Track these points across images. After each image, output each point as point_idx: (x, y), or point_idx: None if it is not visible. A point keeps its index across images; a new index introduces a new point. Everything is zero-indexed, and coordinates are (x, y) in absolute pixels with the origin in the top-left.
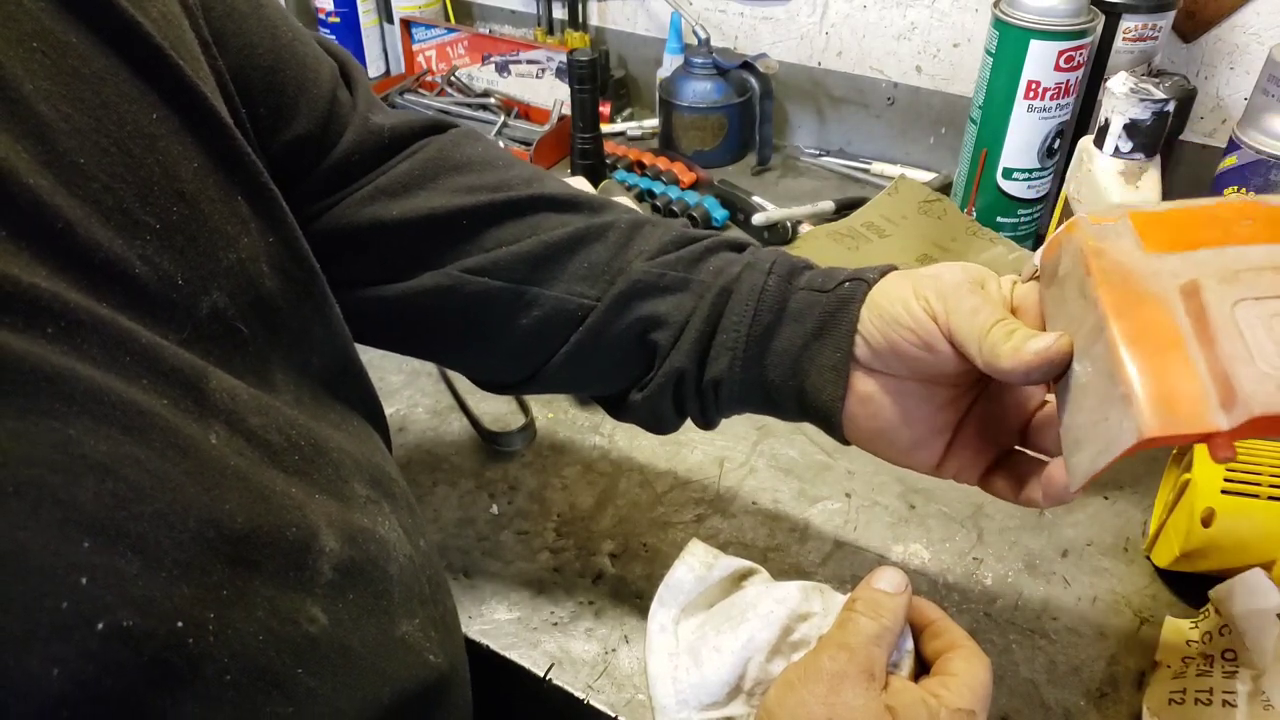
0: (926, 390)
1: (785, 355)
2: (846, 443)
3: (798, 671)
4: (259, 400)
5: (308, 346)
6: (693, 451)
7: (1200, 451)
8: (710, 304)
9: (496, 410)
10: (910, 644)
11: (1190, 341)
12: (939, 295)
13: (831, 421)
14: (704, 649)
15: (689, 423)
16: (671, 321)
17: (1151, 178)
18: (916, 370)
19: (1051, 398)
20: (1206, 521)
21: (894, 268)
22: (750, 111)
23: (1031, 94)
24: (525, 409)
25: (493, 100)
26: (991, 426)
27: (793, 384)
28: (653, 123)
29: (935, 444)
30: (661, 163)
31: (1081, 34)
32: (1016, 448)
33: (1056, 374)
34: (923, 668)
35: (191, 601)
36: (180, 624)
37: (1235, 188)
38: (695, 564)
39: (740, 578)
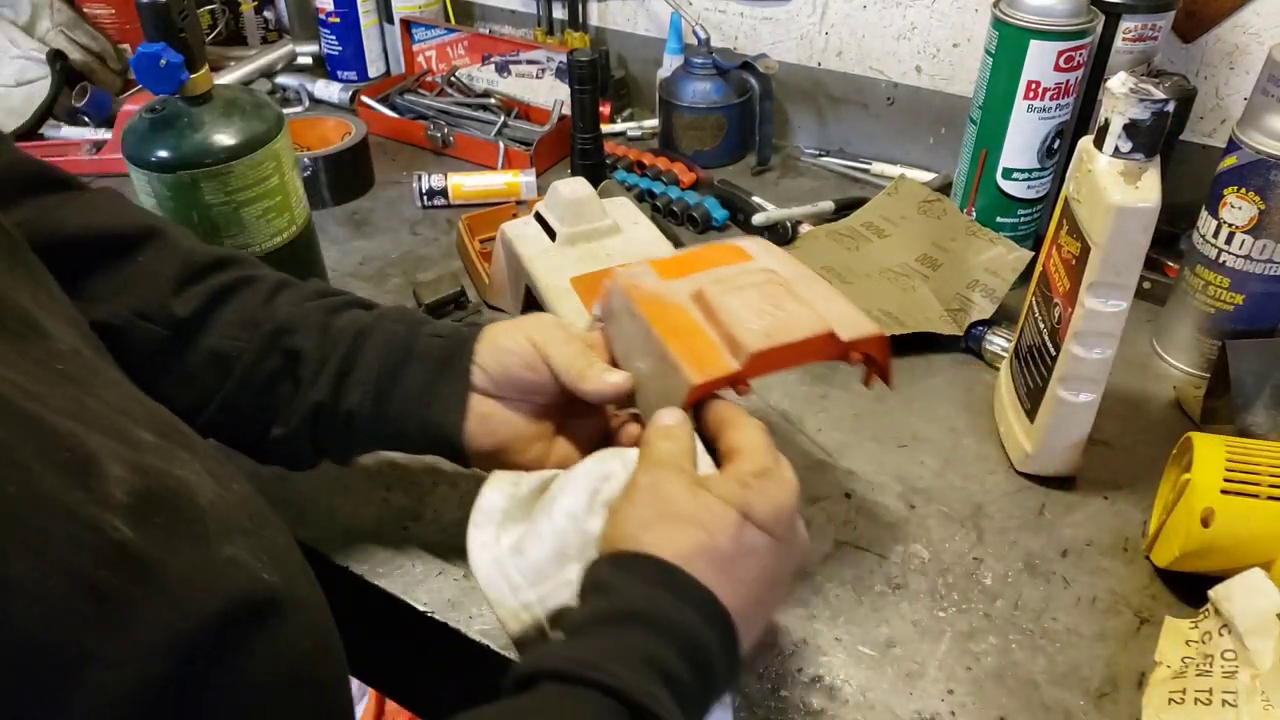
0: (531, 405)
1: (412, 390)
2: (467, 465)
3: (620, 501)
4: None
5: (48, 302)
6: None
7: (1200, 453)
8: (347, 346)
9: None
10: (710, 461)
11: (704, 324)
12: (539, 332)
13: (454, 440)
14: (526, 541)
15: None
16: (312, 359)
17: (1151, 178)
18: (524, 390)
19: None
20: (1206, 521)
21: (505, 319)
22: (750, 111)
23: (1031, 94)
24: None
25: (493, 100)
26: (586, 424)
27: (419, 415)
28: (653, 123)
29: (541, 446)
30: (661, 163)
31: (1081, 34)
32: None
33: (623, 400)
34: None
35: None
36: None
37: (1234, 187)
38: (503, 484)
39: (546, 485)
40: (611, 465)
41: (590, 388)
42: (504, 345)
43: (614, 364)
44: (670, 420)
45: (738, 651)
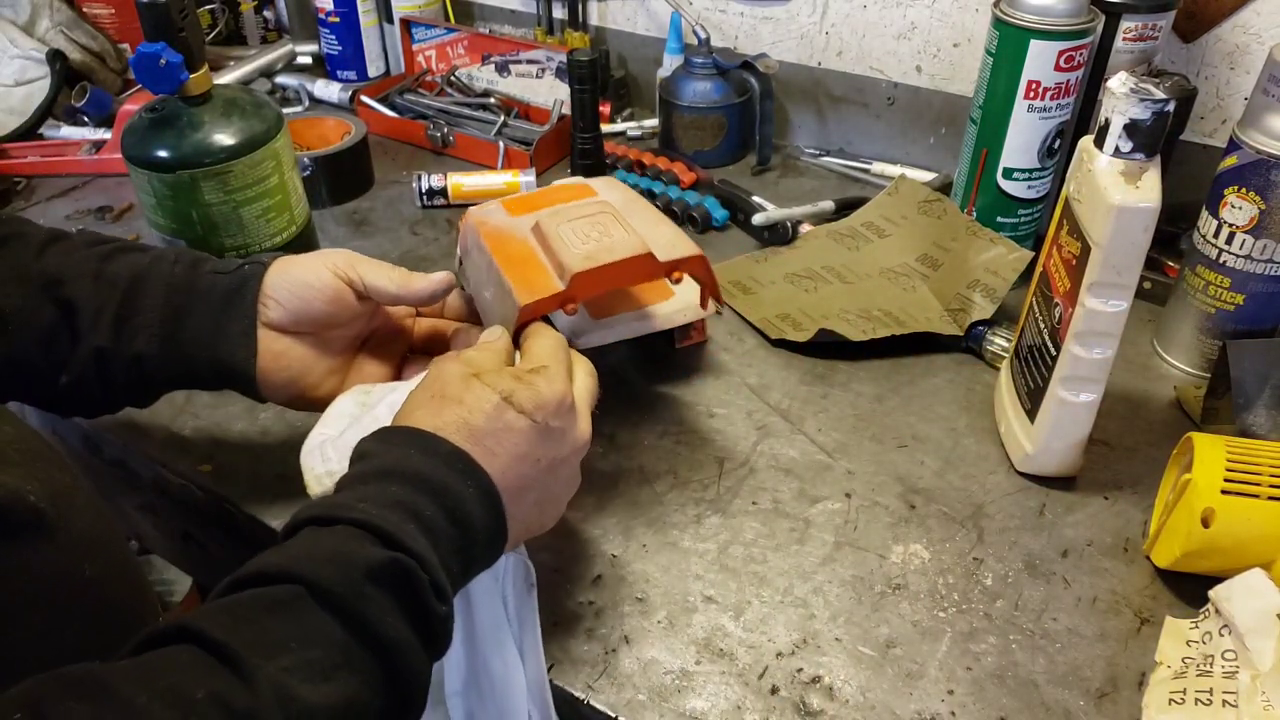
0: (328, 339)
1: (199, 329)
2: (262, 399)
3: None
4: None
5: None
6: (693, 451)
7: (1200, 453)
8: (124, 291)
9: None
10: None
11: (539, 253)
12: (347, 261)
13: (247, 378)
14: (349, 430)
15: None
16: (88, 308)
17: (1151, 178)
18: (324, 325)
19: (425, 322)
20: (1206, 522)
21: (282, 254)
22: (750, 111)
23: (1032, 94)
24: None
25: (493, 100)
26: (381, 353)
27: (208, 354)
28: (653, 123)
29: (335, 379)
30: (661, 163)
31: (1081, 34)
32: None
33: (446, 292)
34: None
35: None
36: None
37: (1235, 187)
38: (356, 394)
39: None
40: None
41: (420, 285)
42: (304, 280)
43: (470, 297)
44: (489, 336)
45: (499, 509)
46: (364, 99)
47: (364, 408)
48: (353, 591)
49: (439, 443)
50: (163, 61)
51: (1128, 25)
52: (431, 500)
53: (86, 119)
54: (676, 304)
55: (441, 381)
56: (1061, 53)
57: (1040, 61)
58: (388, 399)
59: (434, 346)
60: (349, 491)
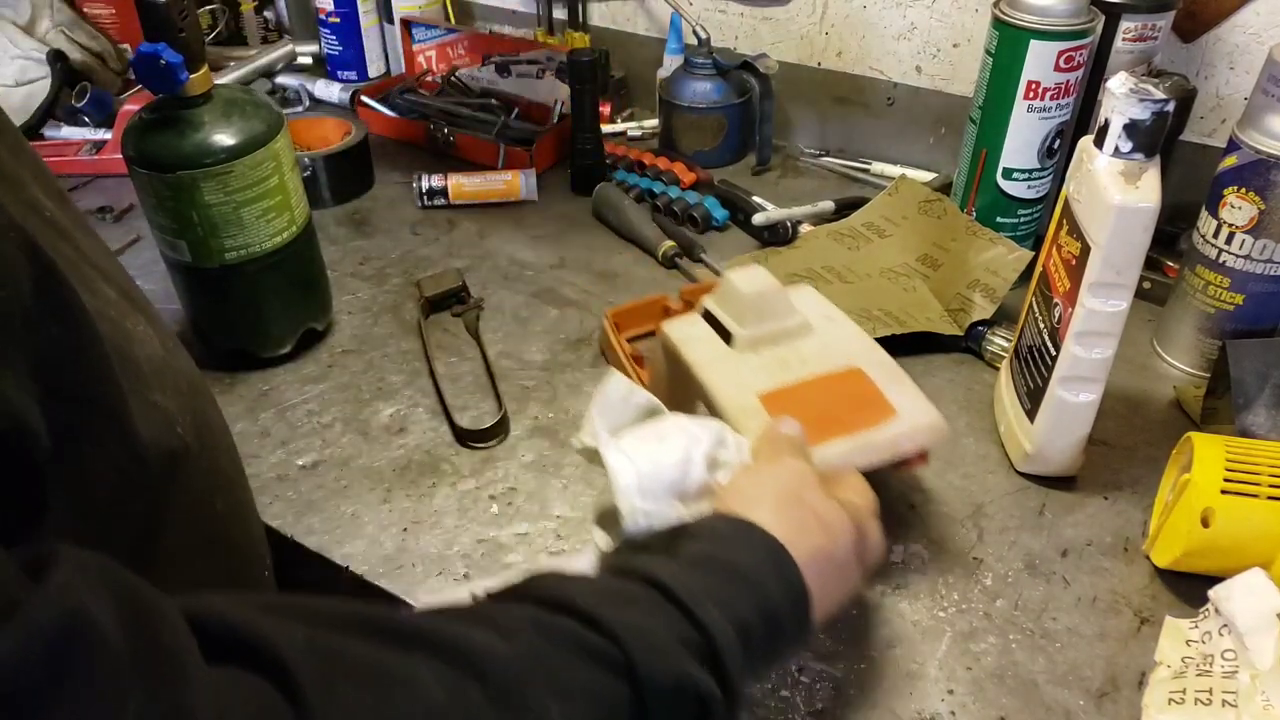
0: None
1: None
2: None
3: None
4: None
5: (28, 160)
6: None
7: (1200, 453)
8: None
9: (482, 409)
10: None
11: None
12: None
13: None
14: (665, 473)
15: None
16: None
17: (1151, 178)
18: None
19: None
20: (1206, 521)
21: None
22: (750, 111)
23: (1031, 94)
24: (500, 404)
25: (493, 100)
26: None
27: None
28: (653, 123)
29: None
30: (662, 163)
31: (1081, 34)
32: None
33: None
34: None
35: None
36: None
37: (1234, 187)
38: (620, 387)
39: (650, 413)
40: (725, 433)
41: None
42: None
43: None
44: (788, 430)
45: (810, 630)
46: (364, 99)
47: (629, 406)
48: (660, 702)
49: (794, 577)
50: (163, 62)
51: (1127, 25)
52: (768, 633)
53: (87, 119)
54: (900, 427)
55: (794, 478)
56: (1061, 53)
57: (1040, 62)
58: (692, 450)
59: None
60: (694, 573)
